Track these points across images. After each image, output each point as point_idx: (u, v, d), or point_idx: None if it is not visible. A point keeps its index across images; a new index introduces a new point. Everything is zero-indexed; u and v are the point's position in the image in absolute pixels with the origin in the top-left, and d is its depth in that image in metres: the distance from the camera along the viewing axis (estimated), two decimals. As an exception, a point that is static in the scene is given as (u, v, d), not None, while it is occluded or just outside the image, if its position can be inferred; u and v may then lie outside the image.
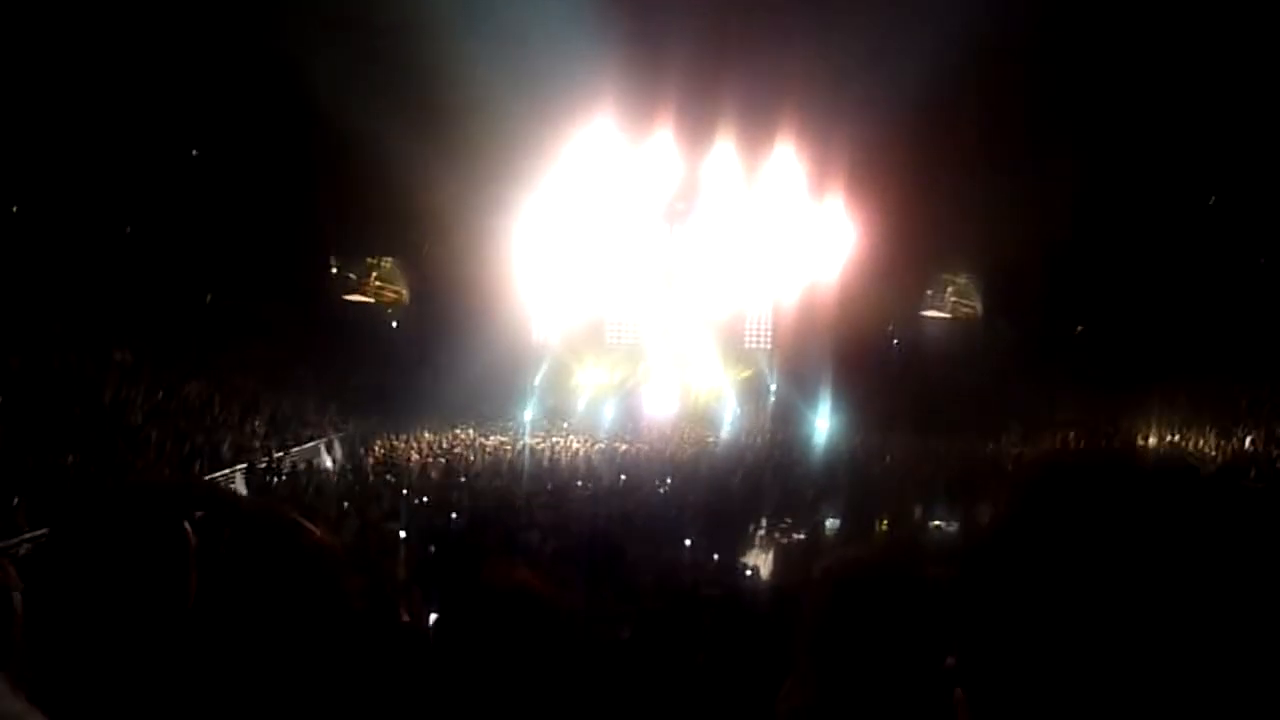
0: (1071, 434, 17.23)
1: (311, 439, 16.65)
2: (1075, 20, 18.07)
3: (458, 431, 19.30)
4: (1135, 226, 19.89)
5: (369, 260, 22.95)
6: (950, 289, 23.68)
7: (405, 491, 13.73)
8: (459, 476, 15.30)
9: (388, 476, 15.19)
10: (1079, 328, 21.91)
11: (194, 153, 19.57)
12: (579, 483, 14.94)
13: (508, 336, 21.72)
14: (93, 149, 16.34)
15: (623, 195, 22.52)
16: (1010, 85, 18.84)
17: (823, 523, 12.46)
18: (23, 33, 14.68)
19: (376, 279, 22.98)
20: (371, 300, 22.94)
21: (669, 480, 15.50)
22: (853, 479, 15.28)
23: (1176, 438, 17.29)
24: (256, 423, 15.80)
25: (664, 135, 21.89)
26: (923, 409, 19.46)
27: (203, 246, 18.80)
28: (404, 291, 22.94)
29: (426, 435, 18.63)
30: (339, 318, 21.99)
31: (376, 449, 17.32)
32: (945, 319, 23.41)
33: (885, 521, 12.49)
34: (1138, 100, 18.51)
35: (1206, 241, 19.46)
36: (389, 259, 23.00)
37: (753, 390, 22.44)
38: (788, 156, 21.95)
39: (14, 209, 17.01)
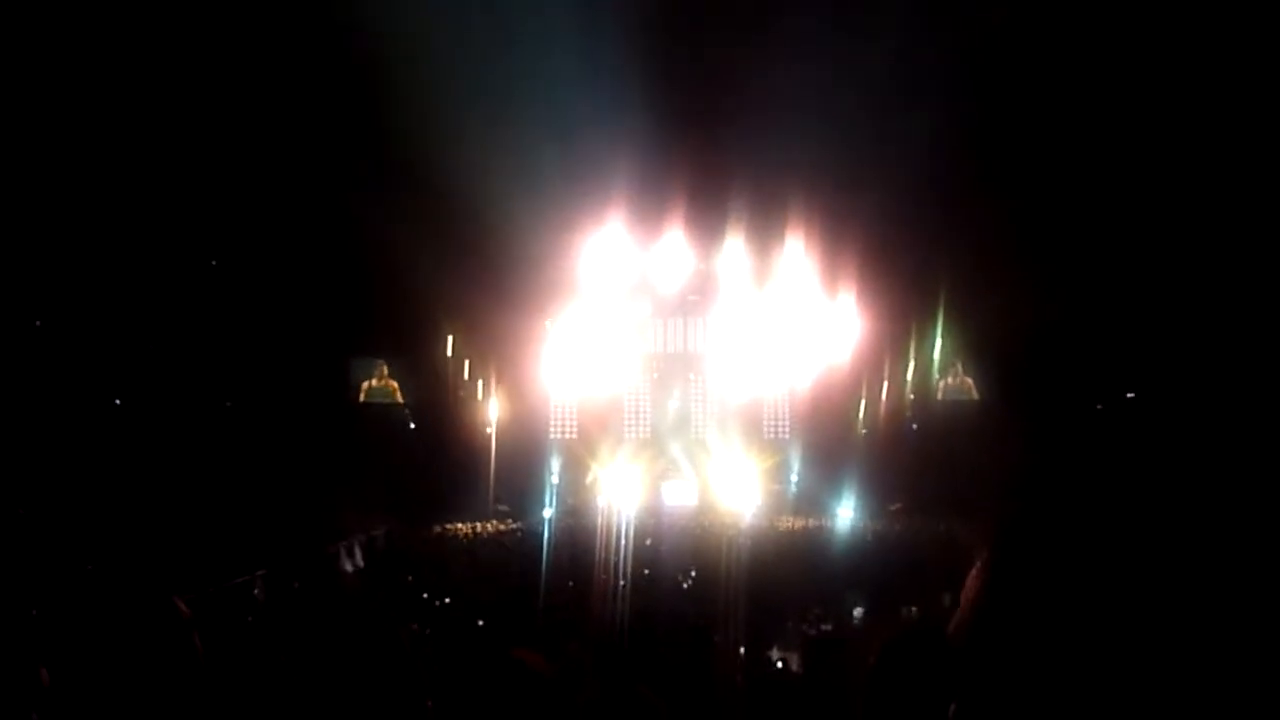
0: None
1: (330, 543, 16.53)
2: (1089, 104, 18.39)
3: (477, 528, 19.16)
4: (1154, 303, 19.93)
5: (384, 360, 23.04)
6: (965, 372, 23.54)
7: (426, 595, 13.64)
8: (479, 576, 15.19)
9: (409, 578, 15.12)
10: (1098, 406, 21.78)
11: (211, 260, 19.91)
12: (601, 578, 14.78)
13: (525, 434, 21.83)
14: (108, 255, 16.63)
15: (637, 289, 22.79)
16: (1020, 170, 19.14)
17: (850, 613, 12.28)
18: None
19: (390, 379, 23.03)
20: (387, 401, 22.95)
21: (692, 574, 15.31)
22: (878, 568, 15.10)
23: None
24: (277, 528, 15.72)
25: (677, 229, 22.22)
26: (943, 494, 19.16)
27: (217, 352, 18.99)
28: (419, 391, 22.93)
29: (447, 533, 18.53)
30: (355, 420, 22.11)
31: (395, 550, 17.23)
32: (961, 402, 23.22)
33: (915, 609, 12.30)
34: (1153, 180, 18.71)
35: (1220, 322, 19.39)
36: (403, 359, 23.02)
37: (774, 480, 22.24)
38: (800, 247, 22.18)
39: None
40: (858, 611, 12.39)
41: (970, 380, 23.42)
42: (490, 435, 21.66)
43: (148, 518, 13.35)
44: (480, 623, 11.72)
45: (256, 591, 12.99)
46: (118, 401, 18.34)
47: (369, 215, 18.34)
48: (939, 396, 23.44)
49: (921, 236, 20.34)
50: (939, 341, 22.84)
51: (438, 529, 18.69)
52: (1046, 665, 0.73)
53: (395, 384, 23.14)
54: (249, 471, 16.90)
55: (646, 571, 15.46)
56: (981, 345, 22.68)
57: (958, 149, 17.90)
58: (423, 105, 16.91)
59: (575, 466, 22.17)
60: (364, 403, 22.95)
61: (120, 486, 14.57)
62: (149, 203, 17.48)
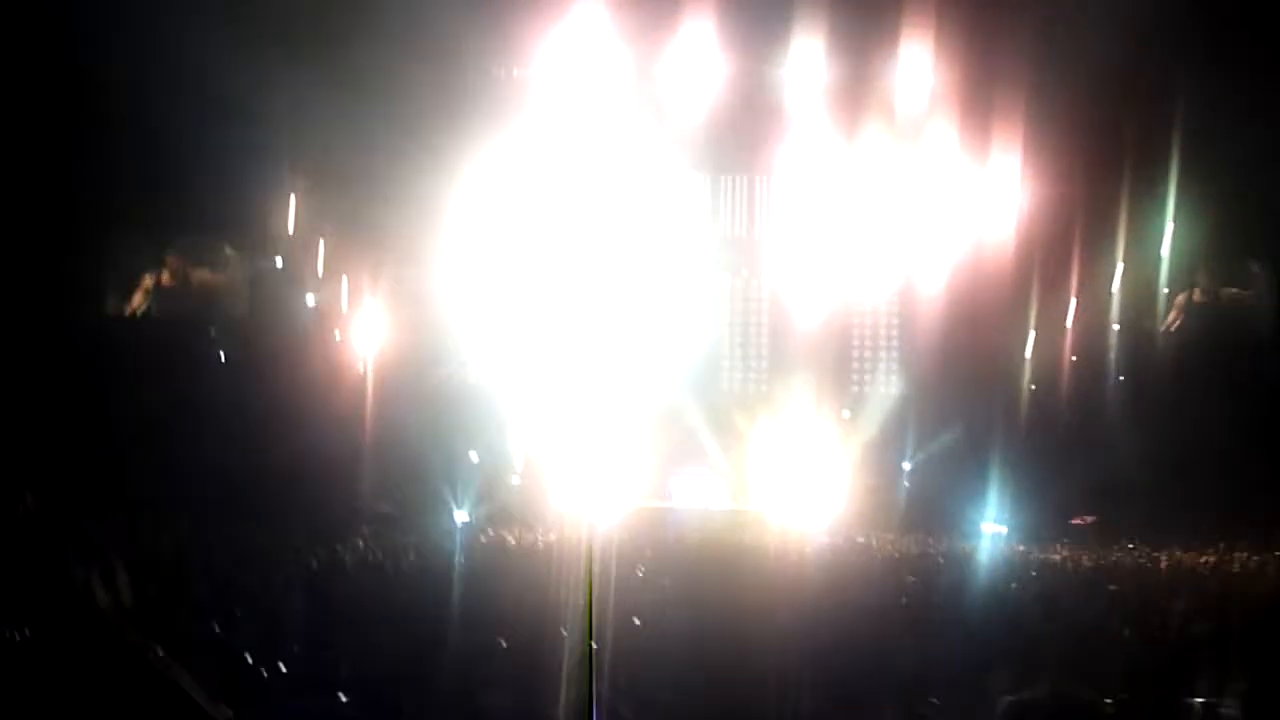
0: None
1: (72, 559, 16.59)
2: None
3: (337, 545, 19.21)
4: None
5: (172, 241, 22.84)
6: (1227, 279, 23.38)
7: (246, 655, 13.63)
8: (340, 628, 15.31)
9: (215, 626, 15.15)
10: None
11: None
12: (556, 635, 14.90)
13: (426, 375, 21.88)
14: None
15: (638, 121, 22.97)
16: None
17: (997, 704, 12.33)
18: None
19: (186, 271, 22.93)
20: (177, 313, 22.82)
21: (721, 632, 15.35)
22: (1049, 627, 15.21)
23: None
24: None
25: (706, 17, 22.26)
26: (1177, 497, 19.52)
27: None
28: (236, 296, 22.81)
29: (282, 550, 18.51)
30: (118, 347, 22.08)
31: (186, 574, 17.23)
32: (1219, 333, 23.07)
33: (1111, 704, 12.36)
34: None
35: None
36: (207, 238, 22.88)
37: (870, 467, 22.34)
38: (922, 50, 22.50)
39: None
40: (1007, 700, 12.47)
41: (1241, 291, 23.18)
42: (365, 377, 21.74)
43: None
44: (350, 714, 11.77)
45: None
46: None
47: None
48: (1175, 320, 23.23)
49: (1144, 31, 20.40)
50: (1173, 219, 22.55)
51: (266, 541, 18.68)
52: None
53: (195, 281, 22.93)
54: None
55: (637, 622, 15.43)
56: (1263, 230, 22.47)
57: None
58: None
59: (512, 435, 22.21)
60: (137, 316, 22.84)
61: None
62: None
